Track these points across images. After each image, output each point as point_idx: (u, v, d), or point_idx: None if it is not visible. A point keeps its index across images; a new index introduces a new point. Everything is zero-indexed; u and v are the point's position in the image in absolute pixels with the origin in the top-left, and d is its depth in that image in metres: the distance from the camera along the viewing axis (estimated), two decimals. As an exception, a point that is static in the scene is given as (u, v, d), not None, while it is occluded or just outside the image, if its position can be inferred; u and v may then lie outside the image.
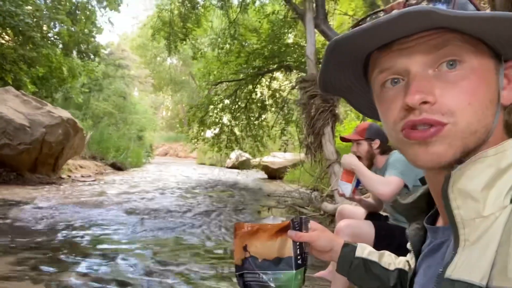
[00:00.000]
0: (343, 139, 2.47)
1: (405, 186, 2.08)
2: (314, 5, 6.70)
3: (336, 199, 4.92)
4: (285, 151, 10.00)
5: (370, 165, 2.39)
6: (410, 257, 0.81)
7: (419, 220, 0.72)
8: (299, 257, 0.82)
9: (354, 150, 2.38)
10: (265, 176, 13.91)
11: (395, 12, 0.47)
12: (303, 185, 8.15)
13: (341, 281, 2.18)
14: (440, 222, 0.66)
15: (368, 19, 0.56)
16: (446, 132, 0.50)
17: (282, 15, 8.97)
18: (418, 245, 0.69)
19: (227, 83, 11.03)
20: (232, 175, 13.88)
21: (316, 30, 6.63)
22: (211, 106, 11.16)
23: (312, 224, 0.89)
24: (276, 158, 13.57)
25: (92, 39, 13.53)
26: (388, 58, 0.55)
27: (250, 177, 13.40)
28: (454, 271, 0.48)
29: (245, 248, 0.83)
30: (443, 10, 0.45)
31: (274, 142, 11.94)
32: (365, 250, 0.92)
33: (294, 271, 0.80)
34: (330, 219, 4.64)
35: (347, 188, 2.29)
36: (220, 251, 3.75)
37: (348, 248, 0.91)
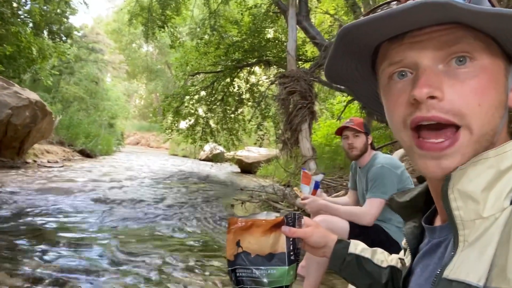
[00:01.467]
0: (342, 129, 2.49)
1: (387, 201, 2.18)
2: (297, 1, 6.69)
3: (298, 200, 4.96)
4: (260, 145, 10.02)
5: (359, 157, 2.46)
6: (404, 255, 0.80)
7: (416, 218, 0.71)
8: (291, 253, 0.81)
9: (349, 142, 2.43)
10: (239, 170, 13.89)
11: (410, 2, 0.45)
12: (276, 181, 8.18)
13: (314, 277, 2.20)
14: (438, 222, 0.65)
15: (379, 9, 0.54)
16: (460, 142, 0.49)
17: (264, 9, 8.91)
18: (414, 243, 0.69)
19: (204, 74, 10.87)
20: (206, 167, 13.76)
21: (297, 27, 6.63)
22: (187, 97, 10.98)
23: (306, 220, 0.89)
24: (251, 152, 13.58)
25: (65, 19, 13.00)
26: (398, 50, 0.53)
27: (224, 170, 13.34)
28: (452, 272, 0.48)
29: (238, 244, 0.82)
30: (461, 3, 0.43)
31: (249, 136, 11.91)
32: (358, 247, 0.92)
33: (287, 267, 0.79)
34: (303, 215, 4.66)
35: (306, 190, 2.43)
36: (192, 243, 3.69)
37: (341, 244, 0.91)
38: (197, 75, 11.10)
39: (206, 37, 10.82)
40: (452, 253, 0.49)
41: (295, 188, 2.56)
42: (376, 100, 0.68)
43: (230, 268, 0.83)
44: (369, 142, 2.47)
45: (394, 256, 0.92)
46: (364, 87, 0.68)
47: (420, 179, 0.75)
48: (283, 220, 0.82)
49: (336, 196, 4.37)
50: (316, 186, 2.53)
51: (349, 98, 7.34)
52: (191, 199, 6.31)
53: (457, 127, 0.49)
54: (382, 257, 0.91)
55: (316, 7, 9.12)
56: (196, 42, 11.00)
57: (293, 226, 0.83)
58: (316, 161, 5.45)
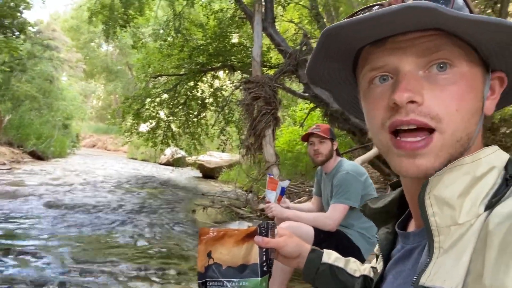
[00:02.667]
0: (308, 135, 2.51)
1: (351, 207, 2.29)
2: (263, 7, 6.73)
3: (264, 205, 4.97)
4: (223, 150, 9.93)
5: (325, 163, 2.48)
6: (376, 261, 0.80)
7: (389, 224, 0.71)
8: (264, 264, 0.79)
9: (316, 148, 2.46)
10: (200, 175, 13.69)
11: (394, 5, 0.44)
12: (239, 186, 8.14)
13: (278, 282, 2.18)
14: (411, 227, 0.65)
15: (360, 13, 0.53)
16: (434, 143, 0.50)
17: (230, 13, 8.88)
18: (387, 250, 0.68)
19: (167, 76, 10.64)
20: (166, 172, 13.45)
21: (263, 33, 6.66)
22: (149, 99, 10.69)
23: (279, 229, 0.87)
24: (213, 157, 13.44)
25: (19, 14, 12.24)
26: (380, 55, 0.53)
27: (185, 175, 13.10)
28: (429, 279, 0.47)
29: (209, 255, 0.80)
30: (445, 8, 0.44)
31: (212, 141, 11.79)
32: (331, 256, 0.92)
33: (259, 279, 0.77)
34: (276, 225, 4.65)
35: (272, 196, 2.42)
36: (152, 250, 3.55)
37: (315, 254, 0.90)
38: (160, 77, 10.84)
39: (170, 39, 10.60)
40: (428, 260, 0.49)
41: (265, 199, 2.54)
42: (355, 105, 0.68)
43: (200, 281, 0.79)
44: (335, 148, 2.51)
45: (367, 265, 0.92)
46: (345, 91, 0.67)
47: (393, 186, 0.75)
48: (256, 230, 0.81)
49: (299, 202, 4.39)
50: (282, 192, 2.52)
51: (312, 105, 7.47)
52: (150, 205, 6.11)
53: (432, 131, 0.50)
54: (355, 267, 0.92)
55: (281, 15, 9.23)
56: (160, 44, 10.76)
57: (266, 236, 0.81)
58: (279, 167, 5.47)
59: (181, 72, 10.11)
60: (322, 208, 2.76)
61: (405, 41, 0.50)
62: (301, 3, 9.50)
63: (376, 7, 0.52)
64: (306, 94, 6.70)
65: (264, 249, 0.80)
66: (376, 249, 0.82)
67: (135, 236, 4.02)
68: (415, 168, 0.51)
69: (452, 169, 0.50)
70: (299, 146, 9.79)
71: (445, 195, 0.49)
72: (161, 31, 11.39)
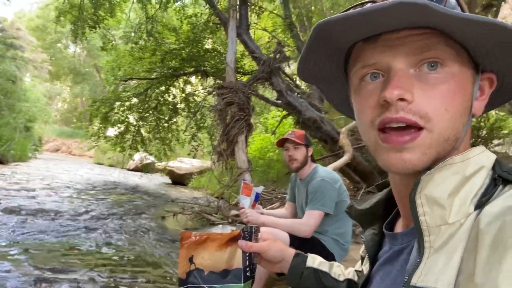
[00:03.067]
0: (283, 141, 2.51)
1: (326, 214, 2.31)
2: (238, 14, 6.75)
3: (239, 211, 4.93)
4: (194, 156, 9.79)
5: (299, 169, 2.49)
6: (362, 264, 0.80)
7: (375, 226, 0.71)
8: (247, 268, 0.78)
9: (290, 154, 2.46)
10: (170, 181, 13.43)
11: (387, 1, 0.43)
12: (210, 193, 8.04)
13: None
14: (398, 228, 0.65)
15: (353, 9, 0.53)
16: (421, 139, 0.50)
17: (204, 19, 8.83)
18: (374, 251, 0.68)
19: (138, 80, 10.40)
20: (134, 177, 13.10)
21: (237, 39, 6.67)
22: (118, 103, 10.40)
23: (263, 234, 0.86)
24: (183, 163, 13.23)
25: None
26: (372, 52, 0.53)
27: (154, 181, 12.81)
28: (420, 279, 0.47)
29: (190, 260, 0.77)
30: (438, 6, 0.43)
31: (182, 147, 11.60)
32: (315, 260, 0.91)
33: (242, 284, 0.76)
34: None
35: (246, 202, 2.40)
36: (120, 258, 3.42)
37: (299, 258, 0.89)
38: (130, 81, 10.59)
39: (142, 42, 10.40)
40: (418, 260, 0.49)
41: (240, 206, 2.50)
42: (345, 103, 0.68)
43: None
44: (310, 154, 2.52)
45: (351, 269, 0.92)
46: (335, 88, 0.67)
47: (379, 187, 0.76)
48: (239, 234, 0.79)
49: (271, 208, 4.38)
50: (257, 197, 2.50)
51: (284, 113, 7.53)
52: (118, 211, 5.91)
53: (421, 129, 0.50)
54: (339, 271, 0.91)
55: (255, 23, 9.29)
56: (131, 47, 10.52)
57: (250, 240, 0.80)
58: (251, 174, 5.45)
59: (153, 76, 9.92)
60: (295, 214, 2.77)
61: (397, 39, 0.50)
62: (275, 12, 9.61)
63: (369, 3, 0.52)
64: (279, 102, 6.75)
65: (247, 254, 0.79)
66: (362, 251, 0.82)
67: (101, 243, 3.87)
68: (402, 162, 0.51)
69: (442, 168, 0.50)
70: (270, 154, 9.83)
71: (435, 194, 0.49)
72: (133, 34, 11.16)
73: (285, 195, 6.17)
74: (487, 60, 0.54)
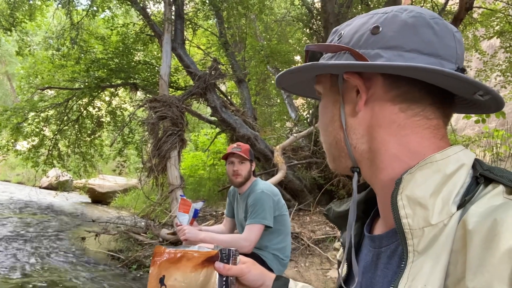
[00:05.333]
0: (228, 155, 2.46)
1: (266, 228, 2.29)
2: (173, 28, 6.64)
3: (175, 228, 4.71)
4: (120, 173, 9.21)
5: (243, 184, 2.45)
6: (339, 267, 0.77)
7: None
8: None
9: (235, 168, 2.42)
10: (89, 200, 12.43)
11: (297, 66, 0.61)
12: (135, 212, 7.57)
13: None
14: (377, 230, 0.64)
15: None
16: (325, 149, 0.66)
17: (137, 29, 8.51)
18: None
19: (58, 90, 9.60)
20: (48, 196, 11.88)
21: (172, 53, 6.53)
22: (32, 113, 9.46)
23: (241, 257, 0.80)
24: (106, 181, 12.38)
25: None
26: None
27: (71, 200, 11.75)
28: (407, 285, 0.46)
29: (161, 281, 0.69)
30: (304, 65, 0.57)
31: (106, 163, 10.88)
32: (298, 284, 0.86)
33: None
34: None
35: (184, 219, 2.32)
36: (30, 285, 2.99)
37: (281, 281, 0.84)
38: (48, 90, 9.73)
39: (65, 49, 9.66)
40: (402, 265, 0.48)
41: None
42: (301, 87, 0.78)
43: None
44: (253, 169, 2.50)
45: None
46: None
47: (358, 189, 0.74)
48: (217, 255, 0.73)
49: (206, 226, 4.24)
50: (195, 214, 2.40)
51: (217, 130, 7.48)
52: (29, 233, 5.25)
53: None
54: None
55: (189, 40, 9.22)
56: (52, 53, 9.72)
57: (227, 262, 0.74)
58: (183, 190, 5.26)
59: (75, 86, 9.24)
60: (233, 230, 2.71)
61: None
62: (209, 29, 9.65)
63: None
64: (213, 118, 6.69)
65: (224, 278, 0.72)
66: (339, 254, 0.79)
67: (10, 268, 3.37)
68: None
69: (423, 166, 0.50)
70: (201, 171, 9.66)
71: (417, 194, 0.49)
72: (52, 41, 10.33)
73: (218, 212, 6.05)
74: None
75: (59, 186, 12.18)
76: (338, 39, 0.60)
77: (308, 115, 8.00)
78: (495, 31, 7.44)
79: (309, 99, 8.30)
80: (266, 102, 10.66)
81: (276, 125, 9.64)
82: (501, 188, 0.47)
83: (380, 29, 0.54)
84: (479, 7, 7.42)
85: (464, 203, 0.47)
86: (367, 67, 0.54)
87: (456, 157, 0.51)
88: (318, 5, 7.83)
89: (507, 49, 7.35)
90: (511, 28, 7.09)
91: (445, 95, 0.55)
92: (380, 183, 0.57)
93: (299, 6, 8.51)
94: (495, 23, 7.47)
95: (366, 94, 0.56)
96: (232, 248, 0.76)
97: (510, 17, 7.05)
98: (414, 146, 0.54)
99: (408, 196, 0.49)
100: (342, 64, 0.55)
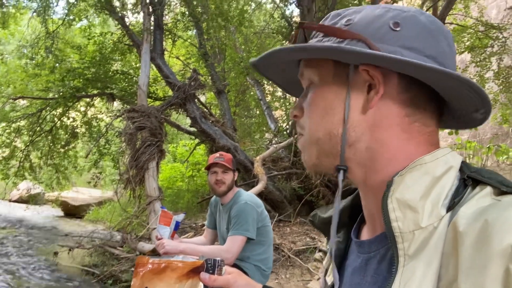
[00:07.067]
0: (211, 165, 2.42)
1: (248, 239, 2.27)
2: (152, 38, 6.60)
3: (153, 241, 4.59)
4: (95, 185, 8.97)
5: (226, 194, 2.42)
6: (325, 275, 0.75)
7: (339, 234, 0.69)
8: None
9: (219, 178, 2.39)
10: (62, 213, 12.01)
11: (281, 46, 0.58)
12: (110, 225, 7.36)
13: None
14: (364, 235, 0.63)
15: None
16: (300, 142, 0.61)
17: (115, 39, 8.40)
18: (339, 261, 0.66)
19: (31, 99, 9.32)
20: (19, 210, 11.40)
21: (151, 63, 6.48)
22: (3, 124, 9.15)
23: (227, 267, 0.78)
24: (80, 194, 12.01)
25: None
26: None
27: (43, 214, 11.33)
28: None
29: None
30: (294, 46, 0.55)
31: (80, 175, 10.57)
32: None
33: None
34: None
35: (165, 231, 2.26)
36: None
37: None
38: (21, 100, 9.43)
39: (39, 58, 9.41)
40: (393, 270, 0.47)
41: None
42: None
43: None
44: (235, 179, 2.47)
45: None
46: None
47: (344, 195, 0.73)
48: (202, 265, 0.72)
49: (185, 237, 4.16)
50: (177, 227, 2.35)
51: (197, 141, 7.42)
52: (-3, 248, 5.01)
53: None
54: None
55: (168, 51, 9.18)
56: (25, 62, 9.46)
57: (213, 273, 0.72)
58: (161, 202, 5.15)
59: (50, 96, 8.99)
60: (215, 242, 2.67)
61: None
62: (189, 40, 9.64)
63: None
64: (192, 129, 6.64)
65: None
66: (325, 262, 0.77)
67: (-25, 286, 3.19)
68: (303, 162, 0.63)
69: (413, 168, 0.50)
70: (180, 183, 9.52)
71: (407, 197, 0.48)
72: (26, 50, 10.06)
73: (198, 224, 5.96)
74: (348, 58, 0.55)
75: (30, 199, 11.78)
76: (346, 25, 0.55)
77: (287, 126, 8.05)
78: (466, 46, 7.76)
79: (289, 111, 8.37)
80: (246, 113, 10.69)
81: (256, 136, 9.66)
82: (488, 189, 0.47)
83: (400, 26, 0.52)
84: (451, 23, 7.74)
85: (453, 205, 0.47)
86: (400, 63, 0.50)
87: (445, 160, 0.51)
88: (297, 18, 7.97)
89: (477, 63, 7.67)
90: (480, 43, 7.42)
91: (440, 105, 0.56)
92: (372, 185, 0.55)
93: (278, 19, 8.64)
94: (466, 38, 7.80)
95: (382, 92, 0.53)
96: (217, 258, 0.73)
97: (479, 33, 7.39)
98: (411, 151, 0.53)
99: (398, 199, 0.48)
100: (374, 55, 0.50)
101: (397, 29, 0.52)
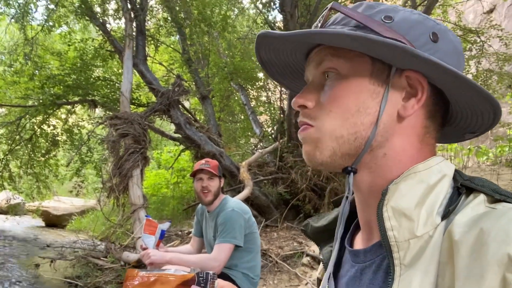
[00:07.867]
0: (197, 172, 2.38)
1: (236, 247, 2.25)
2: (135, 43, 6.53)
3: (138, 250, 4.50)
4: (77, 194, 8.76)
5: (212, 201, 2.38)
6: (318, 286, 0.74)
7: (331, 243, 0.66)
8: None
9: (204, 185, 2.36)
10: (42, 224, 11.69)
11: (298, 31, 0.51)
12: (93, 235, 7.19)
13: None
14: (358, 244, 0.62)
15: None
16: (309, 133, 0.55)
17: (96, 45, 8.27)
18: (333, 270, 0.63)
19: (9, 107, 9.09)
20: (-3, 221, 11.05)
21: (134, 70, 6.40)
22: (-19, 133, 8.88)
23: (219, 280, 0.77)
24: (61, 203, 11.71)
25: None
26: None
27: (23, 224, 10.99)
28: None
29: None
30: (315, 30, 0.50)
31: (62, 184, 10.33)
32: None
33: None
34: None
35: (150, 241, 2.22)
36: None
37: None
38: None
39: (18, 65, 9.19)
40: (390, 279, 0.47)
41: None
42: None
43: None
44: (221, 186, 2.45)
45: None
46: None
47: (335, 203, 0.73)
48: (193, 278, 0.70)
49: (171, 246, 4.10)
50: (162, 235, 2.31)
51: (181, 147, 7.35)
52: (-26, 261, 4.82)
53: (312, 126, 0.56)
54: None
55: (151, 57, 9.09)
56: (3, 69, 9.22)
57: (205, 287, 0.70)
58: (146, 211, 5.07)
59: (29, 104, 8.78)
60: (201, 250, 2.64)
61: (312, 56, 0.58)
62: (172, 46, 9.58)
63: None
64: (177, 135, 6.57)
65: None
66: (319, 272, 0.76)
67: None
68: (304, 153, 0.57)
69: (407, 177, 0.50)
70: (164, 190, 9.40)
71: (402, 205, 0.48)
72: (6, 56, 9.83)
73: (184, 232, 5.87)
74: (394, 60, 0.52)
75: (10, 210, 11.44)
76: (386, 22, 0.52)
77: (272, 131, 8.06)
78: (444, 50, 7.92)
79: (273, 115, 8.38)
80: (230, 118, 10.66)
81: (241, 141, 9.63)
82: (482, 197, 0.47)
83: (438, 39, 0.51)
84: (430, 28, 7.88)
85: (448, 213, 0.47)
86: (457, 77, 0.48)
87: (438, 168, 0.51)
88: (280, 23, 8.02)
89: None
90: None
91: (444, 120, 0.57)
92: (377, 191, 0.52)
93: (261, 24, 8.67)
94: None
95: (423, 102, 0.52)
96: (210, 272, 0.71)
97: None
98: (418, 160, 0.53)
99: (393, 207, 0.48)
100: (437, 64, 0.46)
101: (436, 40, 0.51)
